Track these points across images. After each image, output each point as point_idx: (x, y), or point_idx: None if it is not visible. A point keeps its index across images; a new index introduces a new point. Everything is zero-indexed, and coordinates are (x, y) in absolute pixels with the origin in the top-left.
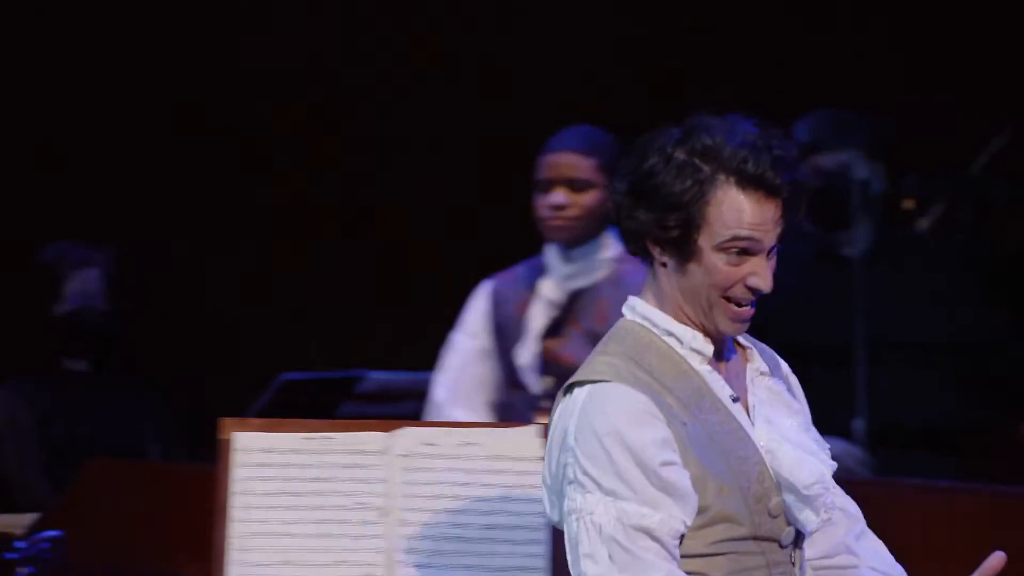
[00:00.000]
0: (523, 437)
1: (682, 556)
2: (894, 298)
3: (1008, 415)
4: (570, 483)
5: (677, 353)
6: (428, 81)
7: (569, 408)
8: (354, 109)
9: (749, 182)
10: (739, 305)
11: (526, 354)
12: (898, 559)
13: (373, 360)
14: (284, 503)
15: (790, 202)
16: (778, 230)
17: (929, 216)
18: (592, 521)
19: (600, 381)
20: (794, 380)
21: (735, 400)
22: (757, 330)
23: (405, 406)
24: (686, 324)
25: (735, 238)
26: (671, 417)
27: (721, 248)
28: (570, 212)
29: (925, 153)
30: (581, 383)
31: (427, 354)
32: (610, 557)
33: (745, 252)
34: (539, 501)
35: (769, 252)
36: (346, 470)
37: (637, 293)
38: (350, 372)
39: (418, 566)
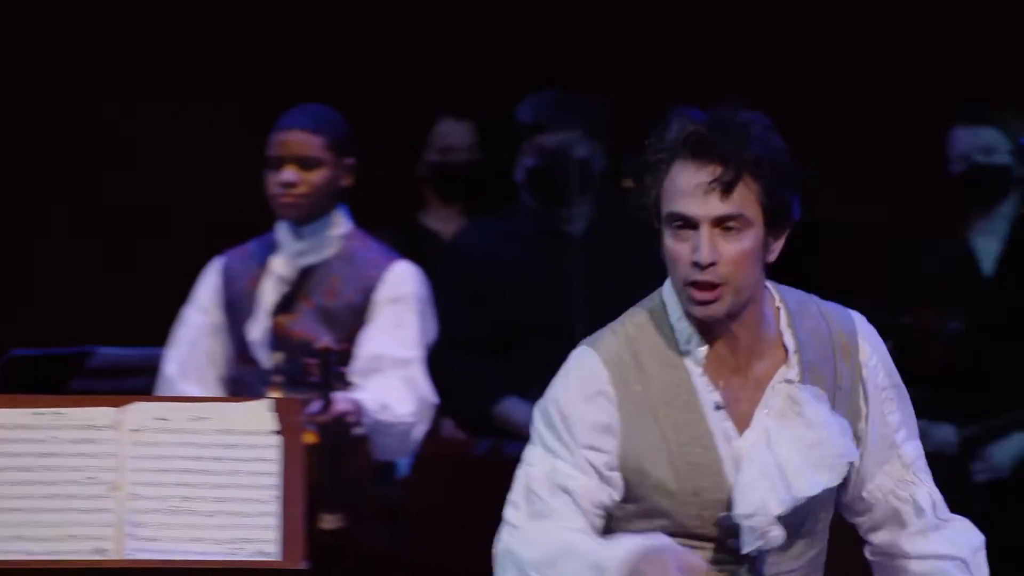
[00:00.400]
0: (254, 411)
1: (621, 526)
2: (613, 274)
3: None
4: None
5: (678, 345)
6: None
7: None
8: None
9: (688, 149)
10: (697, 287)
11: (257, 329)
12: None
13: (103, 335)
14: (14, 478)
15: (743, 172)
16: (727, 200)
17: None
18: (528, 472)
19: (587, 346)
20: (864, 375)
21: (718, 408)
22: (497, 303)
23: (136, 381)
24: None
25: (671, 212)
26: (627, 406)
27: (667, 224)
28: (300, 189)
29: (645, 132)
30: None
31: (158, 329)
32: (529, 505)
33: (685, 225)
34: (271, 474)
35: (726, 227)
36: (76, 445)
37: (367, 269)
38: (80, 348)
39: (148, 539)
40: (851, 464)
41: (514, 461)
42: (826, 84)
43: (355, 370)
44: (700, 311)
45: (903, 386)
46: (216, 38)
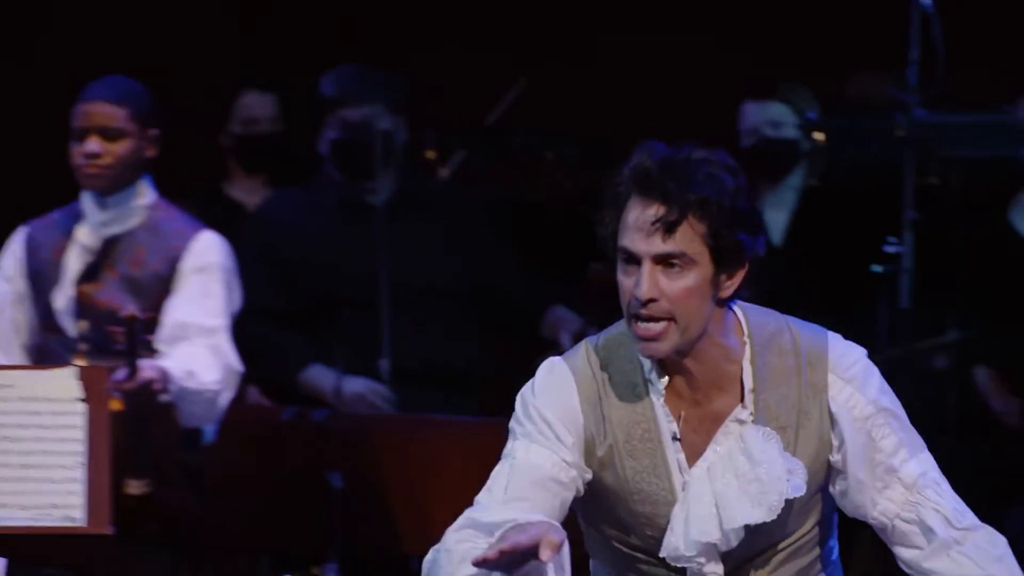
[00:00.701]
0: (59, 379)
1: (585, 525)
2: (416, 245)
3: (524, 355)
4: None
5: (642, 373)
6: None
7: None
8: None
9: (637, 185)
10: (639, 321)
11: (62, 298)
12: (421, 491)
13: None
14: None
15: (685, 213)
16: (670, 239)
17: (449, 166)
18: (509, 462)
19: (563, 361)
20: (834, 410)
21: (675, 439)
22: (302, 273)
23: None
24: None
25: (621, 246)
26: (591, 426)
27: (619, 257)
28: (104, 160)
29: (445, 106)
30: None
31: None
32: (500, 480)
33: (631, 260)
34: (76, 441)
35: (669, 263)
36: None
37: (173, 239)
38: None
39: None
40: (801, 508)
41: (319, 427)
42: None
43: (161, 338)
44: (643, 348)
45: (895, 407)
46: (15, 5)
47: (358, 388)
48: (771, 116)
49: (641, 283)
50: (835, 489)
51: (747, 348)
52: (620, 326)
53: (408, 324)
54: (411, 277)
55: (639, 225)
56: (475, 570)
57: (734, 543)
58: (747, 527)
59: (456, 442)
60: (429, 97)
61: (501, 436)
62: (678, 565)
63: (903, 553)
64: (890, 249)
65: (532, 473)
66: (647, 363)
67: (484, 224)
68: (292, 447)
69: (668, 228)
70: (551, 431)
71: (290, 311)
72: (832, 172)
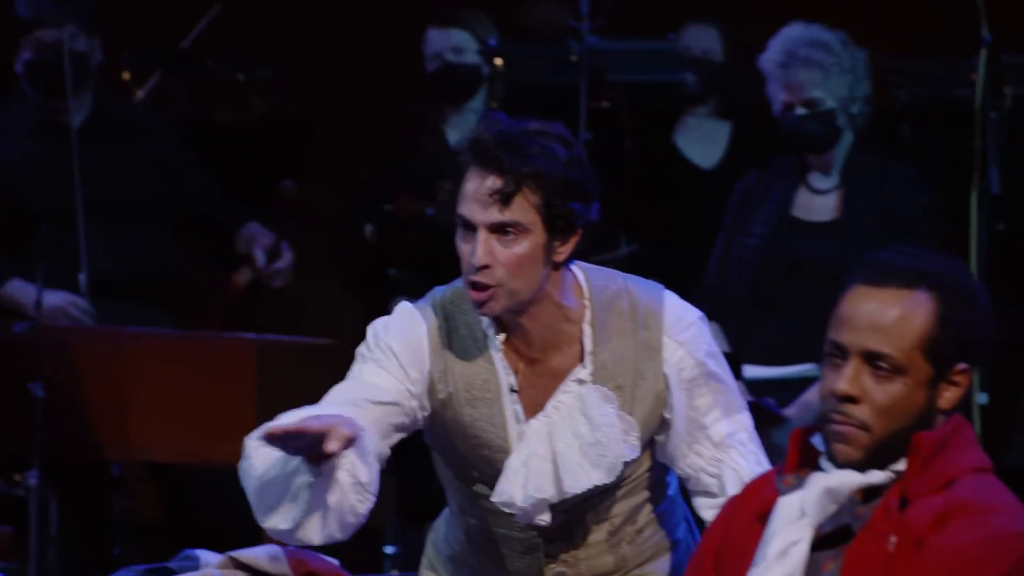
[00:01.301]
0: None
1: (434, 455)
2: (112, 163)
3: (218, 269)
4: None
5: (483, 327)
6: None
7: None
8: None
9: (475, 157)
10: (473, 287)
11: None
12: (120, 401)
13: None
14: None
15: (519, 183)
16: (505, 209)
17: (144, 88)
18: (351, 379)
19: (415, 308)
20: (667, 371)
21: (512, 391)
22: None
23: None
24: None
25: (459, 214)
26: (437, 373)
27: (457, 224)
28: None
29: (141, 29)
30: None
31: None
32: (336, 391)
33: (468, 227)
34: None
35: (504, 232)
36: None
37: None
38: None
39: None
40: (635, 459)
41: (20, 339)
42: None
43: None
44: (477, 308)
45: (720, 369)
46: None
47: (58, 301)
48: (453, 43)
49: (477, 250)
50: (655, 437)
51: (587, 311)
52: (459, 284)
53: (105, 239)
54: (108, 194)
55: (477, 196)
56: (271, 449)
57: (569, 500)
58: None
59: (153, 354)
60: (123, 19)
61: (197, 348)
62: (507, 511)
63: (699, 502)
64: None
65: (371, 391)
66: (485, 320)
67: (178, 143)
68: None
69: (503, 199)
70: (397, 362)
71: None
72: (511, 96)
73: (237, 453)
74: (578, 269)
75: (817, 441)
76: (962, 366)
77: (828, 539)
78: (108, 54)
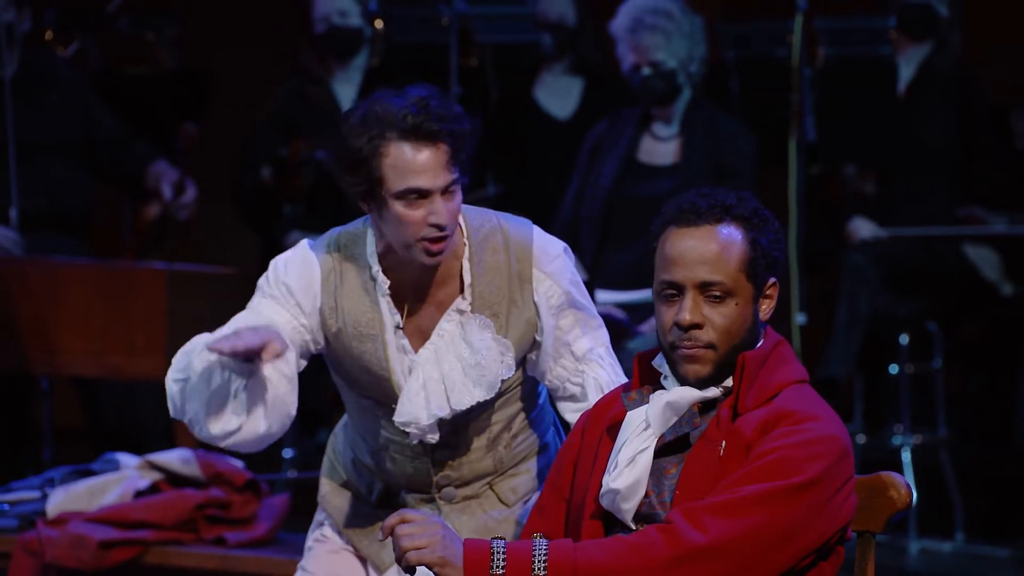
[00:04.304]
0: None
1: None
2: (39, 110)
3: (131, 201)
4: None
5: (371, 272)
6: None
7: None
8: None
9: (410, 134)
10: (430, 242)
11: None
12: (47, 322)
13: None
14: None
15: (454, 145)
16: (449, 172)
17: (69, 49)
18: (250, 310)
19: (311, 249)
20: (536, 299)
21: (398, 328)
22: None
23: None
24: (393, 254)
25: (408, 188)
26: (327, 310)
27: (399, 197)
28: None
29: None
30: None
31: None
32: (238, 318)
33: (420, 196)
34: None
35: (447, 190)
36: None
37: None
38: None
39: None
40: (511, 376)
41: None
42: None
43: None
44: (433, 260)
45: (580, 294)
46: None
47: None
48: (339, 6)
49: (440, 212)
50: (528, 355)
51: (466, 248)
52: (358, 224)
53: (34, 177)
54: (36, 137)
55: (423, 167)
56: (212, 356)
57: (457, 415)
58: None
59: (75, 280)
60: None
61: (112, 275)
62: (406, 430)
63: (564, 406)
64: None
65: (268, 323)
66: (375, 264)
67: (95, 93)
68: None
69: (449, 164)
70: (292, 299)
71: None
72: (390, 54)
73: (151, 369)
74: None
75: (658, 362)
76: (772, 280)
77: (670, 447)
78: (35, 21)
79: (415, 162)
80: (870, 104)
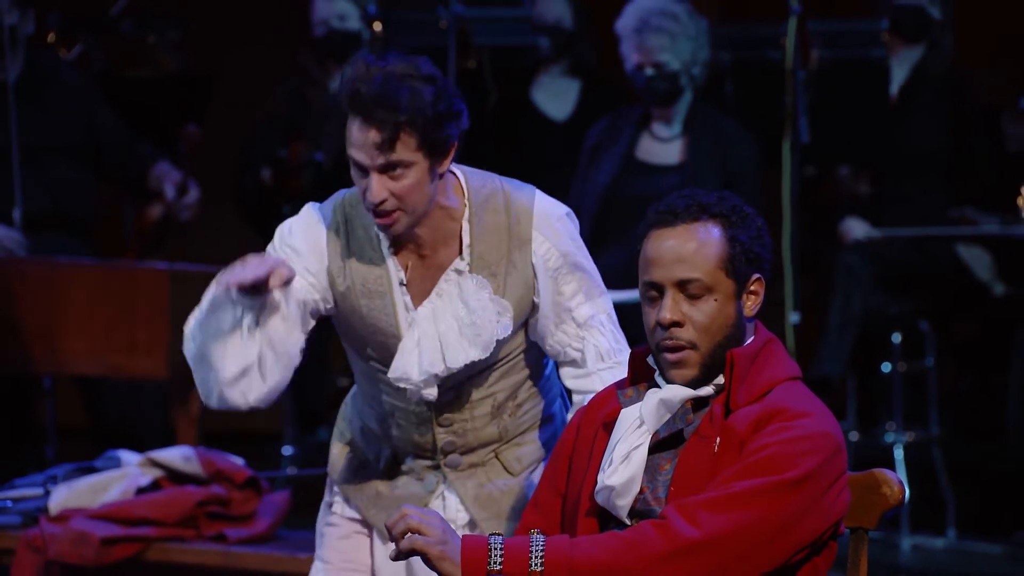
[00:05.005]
0: None
1: (342, 341)
2: (43, 112)
3: (134, 202)
4: None
5: (375, 229)
6: None
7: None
8: None
9: (354, 110)
10: (376, 216)
11: None
12: (51, 323)
13: None
14: None
15: (413, 130)
16: (389, 153)
17: (72, 52)
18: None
19: (316, 211)
20: (535, 261)
21: (402, 284)
22: None
23: None
24: None
25: (351, 157)
26: (335, 269)
27: (351, 163)
28: None
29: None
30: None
31: None
32: None
33: (360, 169)
34: None
35: (389, 172)
36: None
37: None
38: None
39: None
40: (507, 337)
41: None
42: None
43: None
44: (385, 231)
45: (583, 259)
46: None
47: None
48: (338, 10)
49: (371, 188)
50: (529, 319)
51: (467, 209)
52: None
53: (36, 179)
54: (39, 138)
55: (361, 144)
56: (220, 291)
57: (457, 373)
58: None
59: (78, 281)
60: None
61: (117, 275)
62: (400, 386)
63: (565, 371)
64: None
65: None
66: (376, 226)
67: (98, 95)
68: None
69: (387, 147)
70: (300, 260)
71: None
72: None
73: (152, 368)
74: (459, 171)
75: (652, 360)
76: (755, 276)
77: (664, 443)
78: (37, 24)
79: (356, 136)
80: (863, 106)
